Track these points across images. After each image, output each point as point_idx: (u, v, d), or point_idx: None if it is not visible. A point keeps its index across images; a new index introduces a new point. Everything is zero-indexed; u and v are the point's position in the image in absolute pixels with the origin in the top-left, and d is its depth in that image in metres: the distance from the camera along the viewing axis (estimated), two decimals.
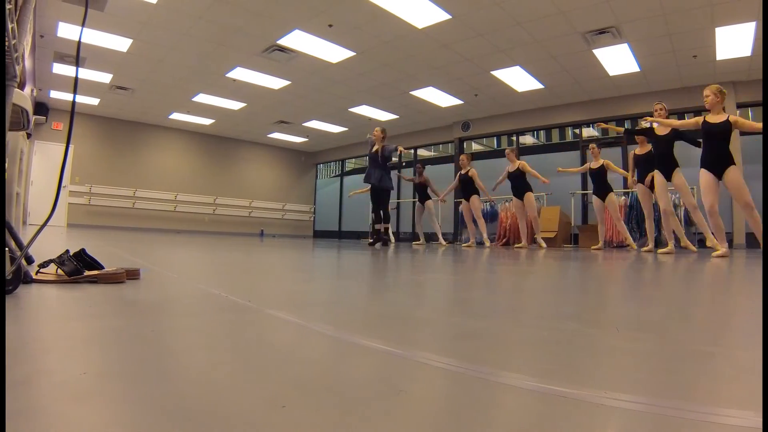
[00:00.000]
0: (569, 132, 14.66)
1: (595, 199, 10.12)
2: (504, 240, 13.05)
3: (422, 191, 12.63)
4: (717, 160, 6.48)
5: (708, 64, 10.36)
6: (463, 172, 11.51)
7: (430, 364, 0.92)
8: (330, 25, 9.43)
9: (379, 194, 10.14)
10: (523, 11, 8.56)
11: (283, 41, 10.28)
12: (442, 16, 8.82)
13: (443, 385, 0.82)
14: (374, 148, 10.08)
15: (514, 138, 15.59)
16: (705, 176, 6.58)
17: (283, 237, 18.05)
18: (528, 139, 15.73)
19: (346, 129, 17.96)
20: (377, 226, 10.02)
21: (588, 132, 13.89)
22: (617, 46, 9.75)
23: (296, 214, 22.35)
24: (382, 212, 10.08)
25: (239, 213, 20.38)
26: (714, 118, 6.58)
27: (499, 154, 16.11)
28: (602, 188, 9.95)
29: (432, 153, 18.55)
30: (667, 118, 7.63)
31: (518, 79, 12.06)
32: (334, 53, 10.83)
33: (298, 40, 10.22)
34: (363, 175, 10.28)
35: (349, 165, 22.24)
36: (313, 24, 9.44)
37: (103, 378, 0.79)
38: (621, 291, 2.57)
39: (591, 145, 10.35)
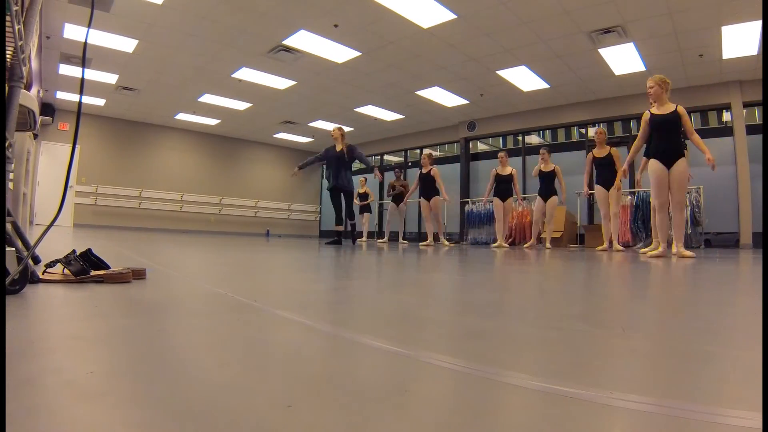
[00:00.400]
0: (575, 131, 14.64)
1: (538, 200, 10.61)
2: (510, 240, 13.04)
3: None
4: (667, 152, 6.33)
5: (714, 63, 10.34)
6: (424, 171, 11.63)
7: (435, 364, 0.92)
8: (335, 25, 9.45)
9: (344, 195, 10.52)
10: (528, 11, 8.56)
11: (289, 41, 10.30)
12: (447, 15, 8.83)
13: (449, 385, 0.82)
14: (338, 148, 10.32)
15: (520, 138, 15.58)
16: (656, 168, 6.42)
17: (289, 237, 18.09)
18: (534, 139, 15.71)
19: (352, 129, 17.96)
20: (339, 227, 10.63)
21: (594, 132, 13.85)
22: (623, 45, 9.76)
23: (302, 214, 22.39)
24: (346, 211, 10.60)
25: (245, 213, 20.44)
26: (661, 110, 6.40)
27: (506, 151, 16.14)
28: (549, 191, 10.48)
29: (438, 153, 18.53)
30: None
31: (524, 78, 12.07)
32: (339, 53, 10.85)
33: (303, 41, 10.25)
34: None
35: (356, 165, 22.17)
36: (318, 24, 9.45)
37: (110, 377, 0.80)
38: (615, 290, 2.56)
39: (542, 150, 10.72)
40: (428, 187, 11.52)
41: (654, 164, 6.40)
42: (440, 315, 1.59)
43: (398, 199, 13.70)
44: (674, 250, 6.36)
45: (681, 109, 6.25)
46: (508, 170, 10.97)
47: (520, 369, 0.92)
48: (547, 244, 10.41)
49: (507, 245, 10.97)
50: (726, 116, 11.67)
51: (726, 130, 11.50)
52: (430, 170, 11.47)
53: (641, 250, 8.02)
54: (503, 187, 11.00)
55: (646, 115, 6.52)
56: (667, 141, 6.32)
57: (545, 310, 1.73)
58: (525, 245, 11.11)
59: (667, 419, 0.65)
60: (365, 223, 14.96)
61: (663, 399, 0.73)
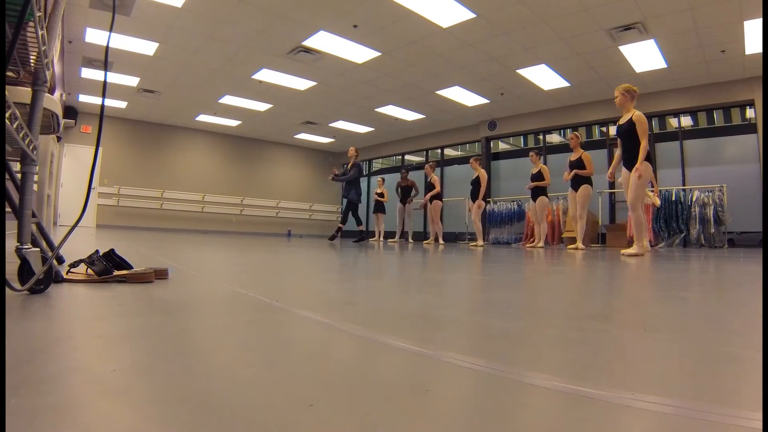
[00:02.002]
0: (596, 130, 14.53)
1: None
2: (531, 240, 12.98)
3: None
4: (628, 159, 6.75)
5: (737, 58, 10.20)
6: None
7: (456, 364, 0.92)
8: (355, 26, 9.45)
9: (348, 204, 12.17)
10: (547, 9, 8.50)
11: (308, 42, 10.32)
12: (466, 15, 8.80)
13: (470, 385, 0.82)
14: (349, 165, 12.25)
15: (541, 137, 15.49)
16: (623, 174, 6.90)
17: (311, 237, 18.09)
18: (555, 138, 15.60)
19: (373, 129, 18.00)
20: (341, 226, 12.36)
21: (615, 130, 13.74)
22: (643, 42, 9.64)
23: (323, 214, 22.41)
24: (343, 216, 12.23)
25: (266, 213, 20.53)
26: (622, 119, 6.89)
27: (525, 153, 16.05)
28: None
29: (459, 152, 18.49)
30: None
31: (544, 77, 11.98)
32: (359, 54, 10.85)
33: (323, 41, 10.26)
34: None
35: (376, 165, 22.23)
36: (337, 25, 9.46)
37: (133, 375, 0.80)
38: (641, 290, 2.54)
39: (531, 153, 11.11)
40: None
41: (622, 171, 6.91)
42: (460, 315, 1.59)
43: (403, 198, 14.27)
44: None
45: (636, 117, 6.62)
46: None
47: (541, 369, 0.92)
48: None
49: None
50: (749, 113, 11.50)
51: (750, 128, 11.33)
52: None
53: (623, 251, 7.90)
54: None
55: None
56: (624, 149, 6.81)
57: (565, 310, 1.73)
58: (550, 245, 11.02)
59: (689, 421, 0.65)
60: (379, 222, 14.99)
61: (684, 401, 0.73)
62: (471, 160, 11.92)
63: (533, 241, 12.34)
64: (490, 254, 6.58)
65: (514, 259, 5.31)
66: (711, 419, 0.65)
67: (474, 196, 11.57)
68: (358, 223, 12.20)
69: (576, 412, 0.68)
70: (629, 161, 6.66)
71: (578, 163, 9.37)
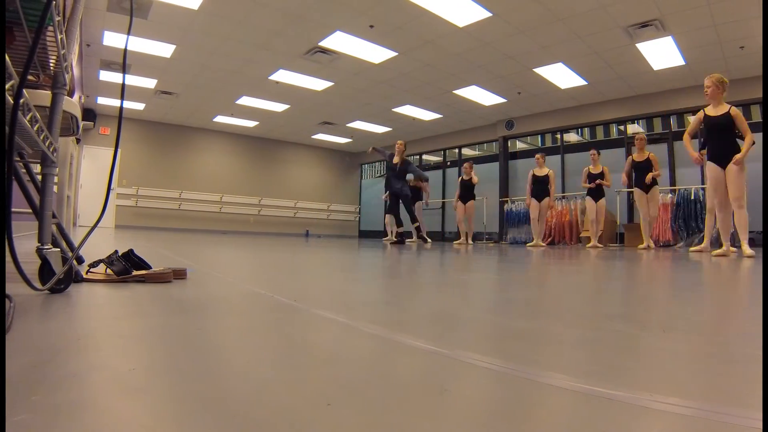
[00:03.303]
0: (614, 129, 14.43)
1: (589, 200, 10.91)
2: (549, 239, 12.94)
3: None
4: (722, 153, 6.46)
5: (756, 55, 10.05)
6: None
7: (474, 364, 0.92)
8: (371, 26, 9.45)
9: (398, 200, 11.21)
10: (563, 7, 8.44)
11: (325, 43, 10.33)
12: (482, 14, 8.77)
13: (488, 385, 0.82)
14: (394, 160, 11.16)
15: (558, 136, 15.39)
16: (712, 170, 6.60)
17: (329, 237, 18.09)
18: (572, 137, 15.51)
19: (390, 129, 17.97)
20: (400, 229, 11.10)
21: (633, 128, 13.65)
22: (661, 39, 9.54)
23: (341, 215, 22.43)
24: (402, 216, 11.18)
25: (284, 214, 20.56)
26: (714, 111, 6.58)
27: (543, 152, 15.96)
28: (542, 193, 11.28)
29: (476, 152, 18.42)
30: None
31: (561, 75, 11.91)
32: (376, 54, 10.85)
33: (339, 42, 10.27)
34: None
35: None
36: (354, 25, 9.47)
37: (151, 374, 0.81)
38: (662, 290, 2.52)
39: (592, 151, 10.94)
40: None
41: (709, 167, 6.60)
42: (479, 314, 1.59)
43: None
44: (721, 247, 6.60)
45: (734, 111, 6.37)
46: (544, 171, 11.30)
47: (559, 369, 0.92)
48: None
49: (544, 244, 11.03)
50: None
51: None
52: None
53: (691, 248, 7.95)
54: (539, 187, 11.34)
55: (700, 114, 6.76)
56: (719, 143, 6.49)
57: (584, 310, 1.72)
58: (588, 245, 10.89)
59: (711, 424, 0.65)
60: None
61: (704, 402, 0.72)
62: (537, 156, 11.76)
63: (551, 240, 12.34)
64: (565, 255, 6.56)
65: (592, 261, 5.29)
66: (734, 422, 0.65)
67: (544, 195, 11.45)
68: (409, 222, 11.32)
69: (595, 413, 0.67)
70: (724, 156, 6.41)
71: (647, 164, 9.36)
